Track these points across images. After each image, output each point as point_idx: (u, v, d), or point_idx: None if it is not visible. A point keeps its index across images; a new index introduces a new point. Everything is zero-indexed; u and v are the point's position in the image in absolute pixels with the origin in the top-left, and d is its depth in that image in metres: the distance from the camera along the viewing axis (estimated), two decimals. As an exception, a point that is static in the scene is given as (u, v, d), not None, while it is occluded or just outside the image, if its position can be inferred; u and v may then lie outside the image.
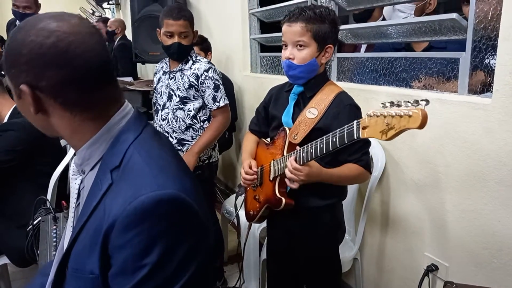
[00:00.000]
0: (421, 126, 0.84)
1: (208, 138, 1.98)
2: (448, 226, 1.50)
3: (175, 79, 2.00)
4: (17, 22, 3.06)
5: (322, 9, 1.29)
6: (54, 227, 1.39)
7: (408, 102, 0.87)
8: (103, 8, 7.81)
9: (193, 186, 0.74)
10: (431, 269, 1.55)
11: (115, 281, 0.67)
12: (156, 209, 0.64)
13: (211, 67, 1.99)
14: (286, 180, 1.27)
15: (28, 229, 1.50)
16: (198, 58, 2.02)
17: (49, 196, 1.79)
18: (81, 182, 0.80)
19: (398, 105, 0.89)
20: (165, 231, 0.65)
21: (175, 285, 0.66)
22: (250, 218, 1.51)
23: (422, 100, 0.85)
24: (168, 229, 0.65)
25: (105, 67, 0.72)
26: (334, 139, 1.09)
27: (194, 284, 0.69)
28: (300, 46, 1.28)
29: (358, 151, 1.28)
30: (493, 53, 1.33)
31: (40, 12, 3.01)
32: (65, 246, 0.77)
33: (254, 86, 2.81)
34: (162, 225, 0.65)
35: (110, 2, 7.08)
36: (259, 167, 1.44)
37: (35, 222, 1.49)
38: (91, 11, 8.66)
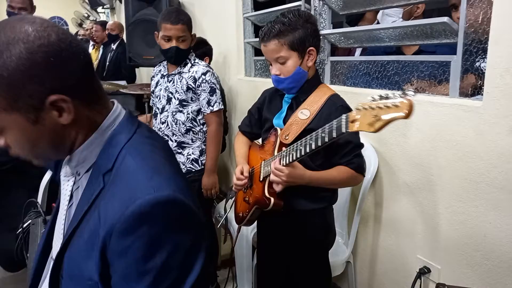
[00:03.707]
0: (407, 115, 0.85)
1: (213, 151, 2.02)
2: (440, 229, 1.50)
3: (173, 82, 2.00)
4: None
5: (291, 16, 1.28)
6: (44, 230, 1.37)
7: (396, 93, 0.88)
8: (97, 12, 7.80)
9: (187, 186, 0.73)
10: (423, 271, 1.55)
11: None
12: (154, 212, 0.63)
13: (209, 71, 2.00)
14: (272, 181, 1.26)
15: (17, 232, 1.48)
16: (196, 61, 2.03)
17: (39, 199, 1.76)
18: (74, 183, 0.78)
19: (387, 97, 0.90)
20: (165, 233, 0.64)
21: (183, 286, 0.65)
22: (239, 221, 1.50)
23: (409, 91, 0.86)
24: (168, 230, 0.64)
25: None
26: (323, 134, 1.10)
27: (201, 284, 0.67)
28: (281, 61, 1.29)
29: (349, 153, 1.28)
30: (483, 56, 1.35)
31: (35, 15, 2.99)
32: (56, 248, 0.75)
33: (248, 90, 2.81)
34: (162, 227, 0.64)
35: (105, 6, 7.07)
36: (250, 169, 1.44)
37: (25, 225, 1.47)
38: (85, 15, 8.65)
